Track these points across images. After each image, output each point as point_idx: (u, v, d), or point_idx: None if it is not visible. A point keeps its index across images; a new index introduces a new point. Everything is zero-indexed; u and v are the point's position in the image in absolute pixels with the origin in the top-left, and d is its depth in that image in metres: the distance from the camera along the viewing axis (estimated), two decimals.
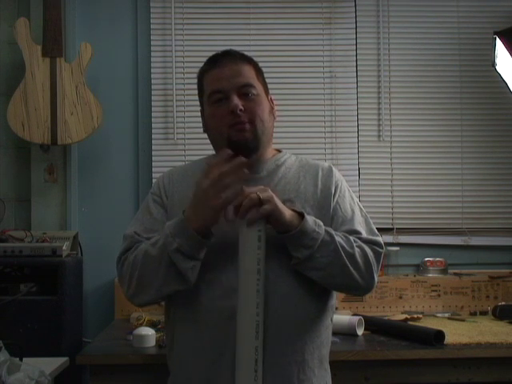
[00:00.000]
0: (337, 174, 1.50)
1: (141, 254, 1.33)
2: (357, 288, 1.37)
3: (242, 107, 1.38)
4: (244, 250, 1.28)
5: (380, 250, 1.40)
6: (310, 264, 1.31)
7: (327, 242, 1.31)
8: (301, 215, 1.31)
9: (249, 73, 1.43)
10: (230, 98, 1.39)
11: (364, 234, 1.40)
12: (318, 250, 1.30)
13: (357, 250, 1.34)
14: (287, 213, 1.29)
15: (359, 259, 1.33)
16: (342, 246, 1.32)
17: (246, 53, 1.49)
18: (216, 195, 1.26)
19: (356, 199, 1.50)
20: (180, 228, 1.28)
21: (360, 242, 1.37)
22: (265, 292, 1.29)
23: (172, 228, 1.30)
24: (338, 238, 1.33)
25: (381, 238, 1.43)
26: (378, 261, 1.38)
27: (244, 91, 1.41)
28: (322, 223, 1.34)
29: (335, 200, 1.44)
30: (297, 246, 1.30)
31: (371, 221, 1.48)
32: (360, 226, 1.42)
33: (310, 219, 1.32)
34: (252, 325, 1.26)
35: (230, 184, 1.26)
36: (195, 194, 1.30)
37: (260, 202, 1.26)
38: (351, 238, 1.36)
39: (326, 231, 1.32)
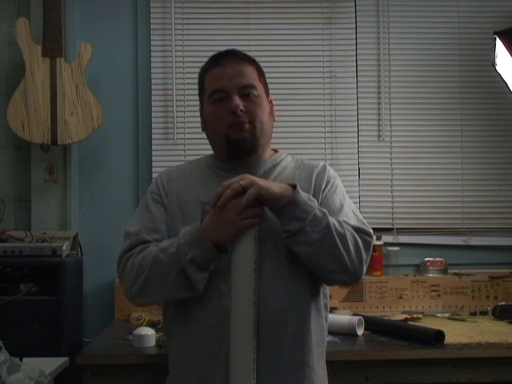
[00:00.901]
0: (331, 171, 1.50)
1: (150, 258, 1.32)
2: (344, 272, 1.32)
3: (242, 107, 1.39)
4: (240, 250, 1.28)
5: (369, 239, 1.36)
6: (301, 238, 1.29)
7: (319, 217, 1.30)
8: (294, 187, 1.31)
9: (251, 73, 1.44)
10: (231, 98, 1.39)
11: (352, 223, 1.38)
12: (310, 224, 1.28)
13: (348, 232, 1.32)
14: (276, 187, 1.29)
15: (349, 242, 1.31)
16: (334, 225, 1.31)
17: (246, 53, 1.49)
18: (244, 217, 1.26)
19: (348, 198, 1.48)
20: (197, 239, 1.28)
21: (350, 228, 1.34)
22: (261, 291, 1.30)
23: (188, 237, 1.29)
24: (331, 218, 1.32)
25: (371, 230, 1.39)
26: (367, 250, 1.35)
27: (245, 92, 1.41)
28: (315, 200, 1.33)
29: (324, 194, 1.43)
30: (288, 219, 1.29)
31: (361, 217, 1.45)
32: (347, 218, 1.39)
33: (303, 193, 1.31)
34: (250, 324, 1.26)
35: (258, 213, 1.28)
36: (216, 212, 1.29)
37: (243, 190, 1.26)
38: (342, 222, 1.34)
39: (319, 208, 1.32)
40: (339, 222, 1.33)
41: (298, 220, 1.28)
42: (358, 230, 1.36)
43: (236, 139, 1.40)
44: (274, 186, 1.29)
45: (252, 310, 1.27)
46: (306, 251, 1.30)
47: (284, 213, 1.29)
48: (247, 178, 1.28)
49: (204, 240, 1.27)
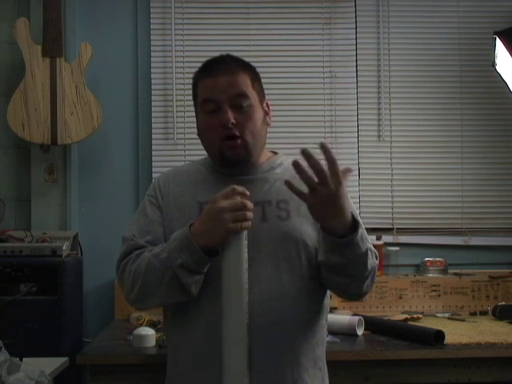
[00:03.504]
0: None
1: (144, 264, 1.33)
2: (357, 296, 1.40)
3: (233, 121, 1.37)
4: (230, 251, 1.27)
5: (377, 261, 1.39)
6: (337, 269, 1.31)
7: (361, 254, 1.28)
8: (355, 223, 1.27)
9: (243, 82, 1.40)
10: (222, 110, 1.38)
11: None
12: (352, 261, 1.29)
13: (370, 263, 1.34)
14: (348, 214, 1.24)
15: (370, 272, 1.34)
16: (370, 262, 1.31)
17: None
18: (234, 220, 1.25)
19: (350, 200, 1.49)
20: (185, 244, 1.27)
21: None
22: (258, 292, 1.30)
23: (177, 242, 1.29)
24: (370, 253, 1.32)
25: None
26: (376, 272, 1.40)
27: (237, 102, 1.39)
28: (367, 237, 1.32)
29: None
30: (334, 252, 1.28)
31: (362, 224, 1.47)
32: None
33: (360, 231, 1.27)
34: (242, 325, 1.26)
35: (249, 217, 1.26)
36: (209, 211, 1.28)
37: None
38: (373, 252, 1.35)
39: (366, 244, 1.30)
40: (372, 255, 1.33)
41: (343, 257, 1.27)
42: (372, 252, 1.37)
43: (229, 156, 1.40)
44: (348, 213, 1.23)
45: (244, 311, 1.26)
46: (334, 279, 1.33)
47: (334, 245, 1.26)
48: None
49: (192, 245, 1.26)
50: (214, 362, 1.30)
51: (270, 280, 1.34)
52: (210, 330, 1.32)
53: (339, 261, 1.28)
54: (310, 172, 1.18)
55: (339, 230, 1.24)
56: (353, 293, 1.38)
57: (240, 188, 1.28)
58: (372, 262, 1.33)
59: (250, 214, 1.26)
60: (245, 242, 1.28)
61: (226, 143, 1.39)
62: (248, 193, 1.28)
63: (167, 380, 1.44)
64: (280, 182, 1.43)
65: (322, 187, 1.18)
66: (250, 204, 1.27)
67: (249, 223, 1.27)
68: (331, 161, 1.17)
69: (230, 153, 1.39)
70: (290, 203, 1.40)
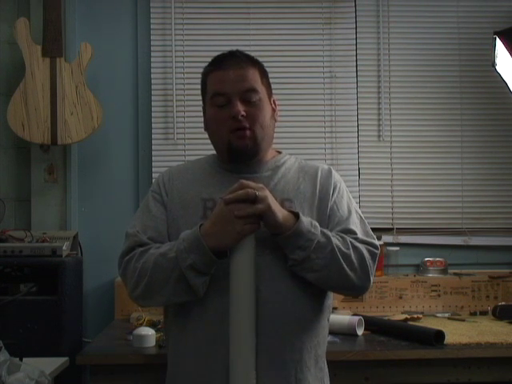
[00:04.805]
0: (336, 175, 1.50)
1: (151, 263, 1.33)
2: (352, 289, 1.37)
3: (243, 113, 1.38)
4: (240, 254, 1.27)
5: (375, 251, 1.39)
6: (307, 265, 1.31)
7: (323, 243, 1.31)
8: (296, 216, 1.31)
9: (253, 76, 1.43)
10: (232, 103, 1.39)
11: (359, 235, 1.40)
12: (314, 251, 1.30)
13: (353, 250, 1.34)
14: (281, 214, 1.29)
15: (355, 260, 1.34)
16: (339, 248, 1.32)
17: (249, 54, 1.49)
18: (246, 223, 1.26)
19: (354, 202, 1.50)
20: (196, 244, 1.28)
21: (356, 243, 1.36)
22: (261, 292, 1.30)
23: (187, 243, 1.29)
24: (335, 240, 1.33)
25: (377, 241, 1.43)
26: (373, 262, 1.38)
27: (247, 96, 1.41)
28: (317, 224, 1.34)
29: (333, 200, 1.44)
30: (292, 248, 1.30)
31: (367, 224, 1.48)
32: (355, 226, 1.42)
33: (306, 220, 1.32)
34: (251, 326, 1.26)
35: (259, 220, 1.28)
36: (220, 213, 1.29)
37: (255, 200, 1.26)
38: (347, 238, 1.36)
39: (322, 232, 1.33)
40: (343, 240, 1.35)
41: (302, 249, 1.30)
42: (364, 243, 1.38)
43: (237, 146, 1.40)
44: (280, 213, 1.29)
45: (253, 312, 1.27)
46: (313, 277, 1.32)
47: (288, 242, 1.30)
48: (265, 192, 1.28)
49: (203, 246, 1.27)
50: (216, 361, 1.30)
51: (274, 278, 1.34)
52: (213, 329, 1.32)
53: (303, 254, 1.29)
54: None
55: (286, 230, 1.29)
56: (342, 286, 1.36)
57: (250, 183, 1.29)
58: (348, 251, 1.32)
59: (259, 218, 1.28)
60: (254, 244, 1.28)
61: (234, 134, 1.39)
62: (261, 185, 1.30)
63: (168, 379, 1.44)
64: (284, 181, 1.44)
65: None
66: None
67: (259, 225, 1.28)
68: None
69: (238, 143, 1.40)
70: (295, 202, 1.40)
